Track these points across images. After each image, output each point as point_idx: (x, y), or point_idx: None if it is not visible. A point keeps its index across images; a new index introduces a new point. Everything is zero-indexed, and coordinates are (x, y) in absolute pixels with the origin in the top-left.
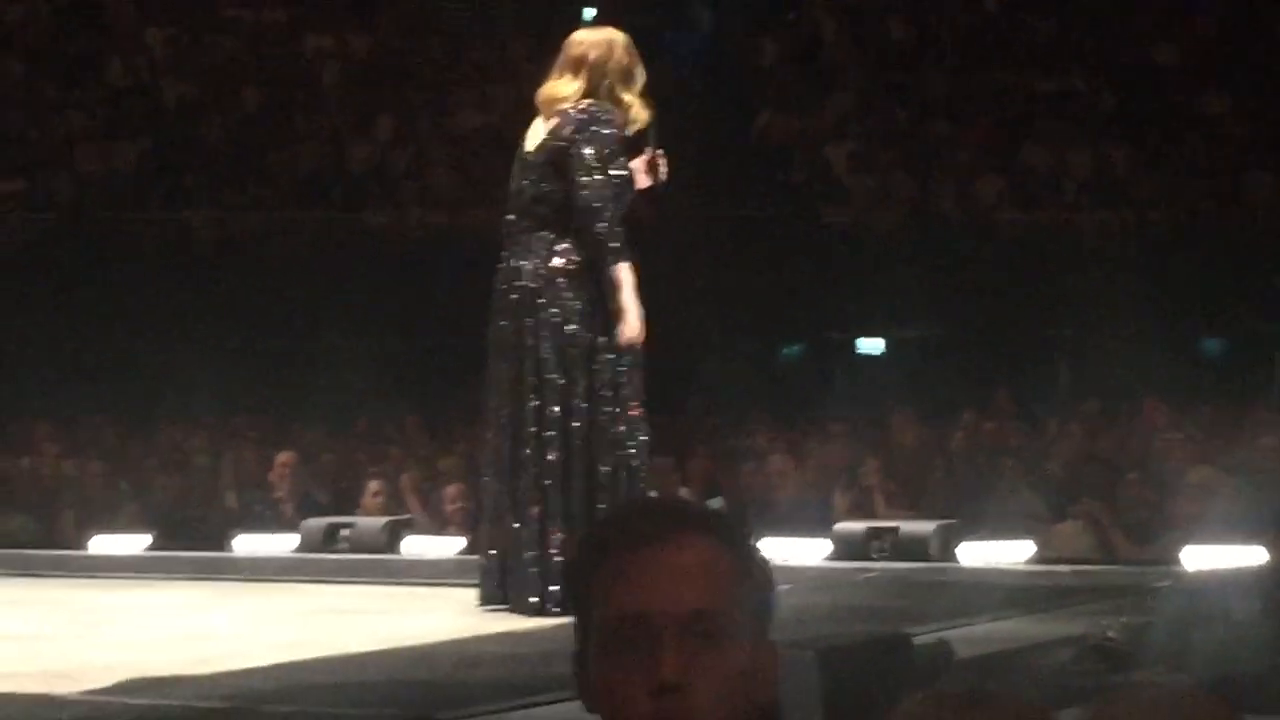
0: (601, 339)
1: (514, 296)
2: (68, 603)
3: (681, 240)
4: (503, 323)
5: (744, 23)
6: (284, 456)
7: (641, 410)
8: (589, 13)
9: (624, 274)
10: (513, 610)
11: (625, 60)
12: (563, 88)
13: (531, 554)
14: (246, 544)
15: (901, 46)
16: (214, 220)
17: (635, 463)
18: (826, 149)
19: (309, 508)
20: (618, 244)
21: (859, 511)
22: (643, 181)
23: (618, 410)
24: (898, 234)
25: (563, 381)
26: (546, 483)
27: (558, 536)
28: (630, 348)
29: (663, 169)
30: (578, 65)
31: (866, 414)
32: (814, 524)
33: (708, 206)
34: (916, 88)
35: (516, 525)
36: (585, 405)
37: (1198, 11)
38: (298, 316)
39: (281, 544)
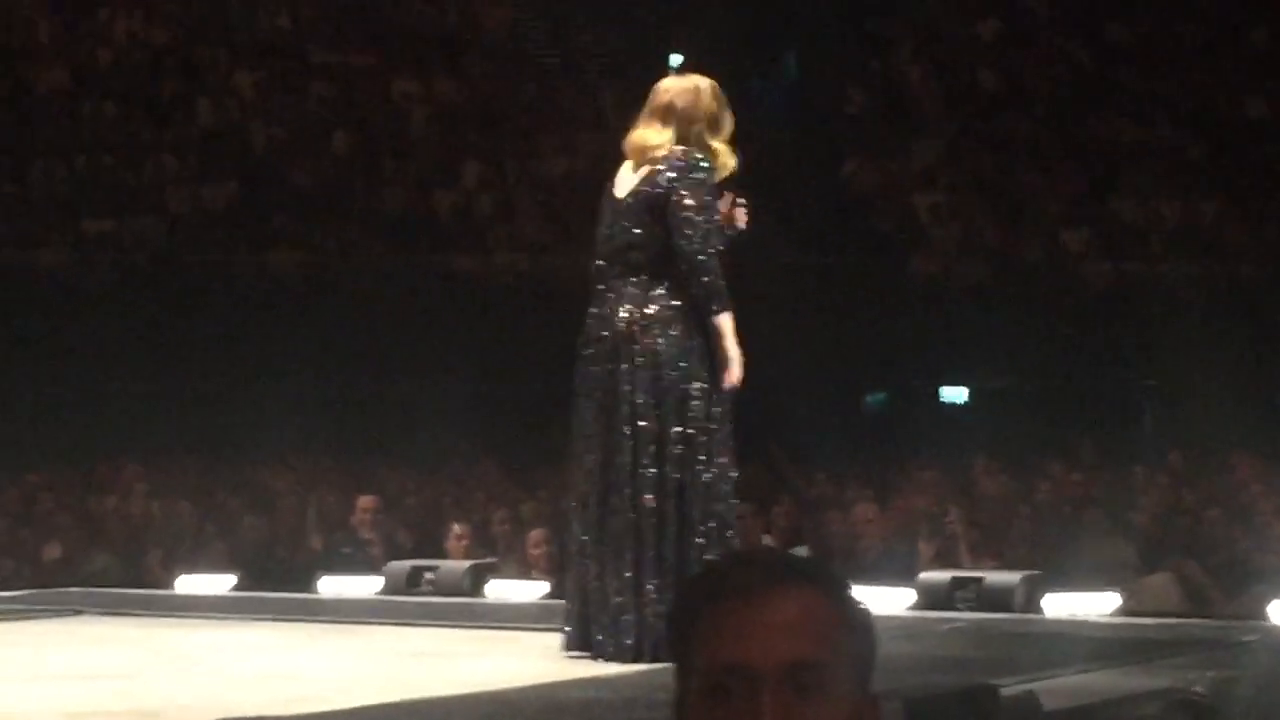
0: (695, 386)
1: (606, 342)
2: (155, 642)
3: (766, 288)
4: (594, 368)
5: (831, 70)
6: (366, 500)
7: (731, 458)
8: (676, 59)
9: (727, 322)
10: (595, 657)
11: (713, 107)
12: (652, 135)
13: (620, 600)
14: (331, 586)
15: (990, 95)
16: (302, 262)
17: (725, 510)
18: (913, 197)
19: (393, 550)
20: (721, 293)
21: (943, 561)
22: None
23: (710, 458)
24: (983, 283)
25: (657, 428)
26: (639, 530)
27: (650, 585)
28: (727, 394)
29: (741, 217)
30: (666, 113)
31: (950, 463)
32: (898, 573)
33: (793, 254)
34: (1004, 137)
35: (604, 573)
36: (679, 452)
37: None
38: (384, 359)
39: (366, 586)
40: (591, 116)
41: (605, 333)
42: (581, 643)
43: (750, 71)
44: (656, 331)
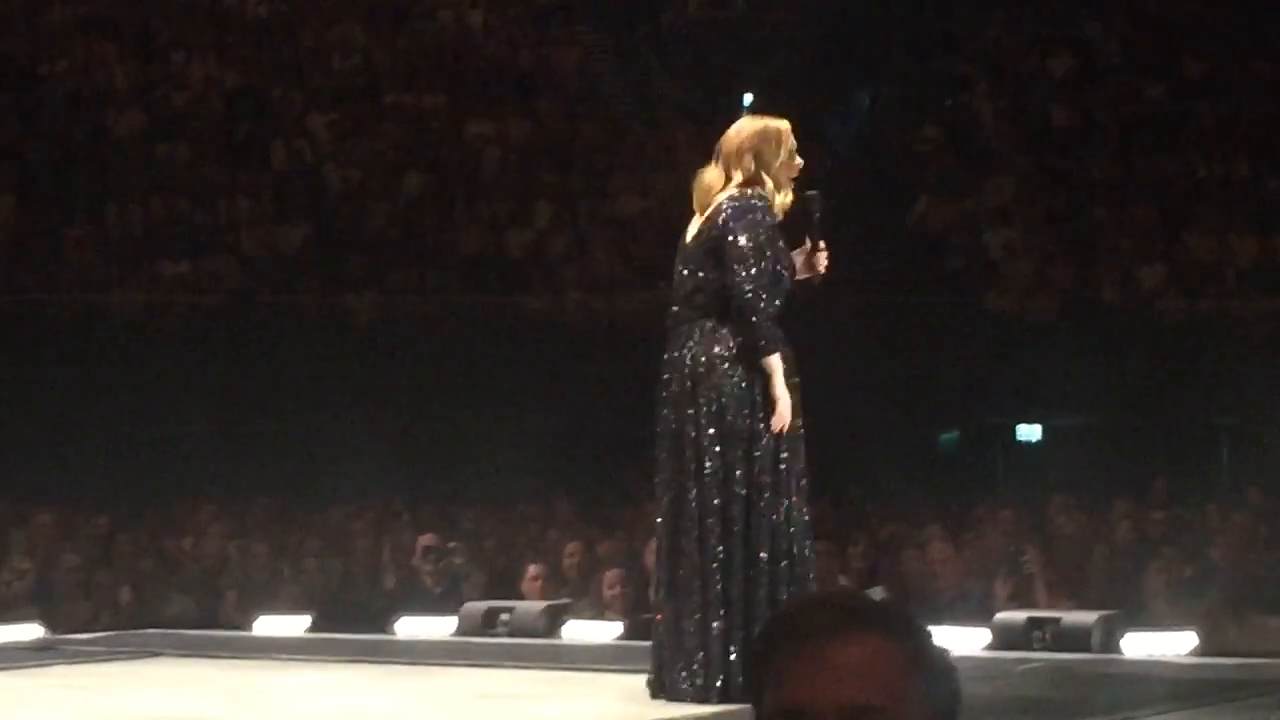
0: (761, 426)
1: (675, 387)
2: (232, 684)
3: (840, 327)
4: (666, 411)
5: (903, 107)
6: (426, 539)
7: (801, 498)
8: (750, 99)
9: (775, 363)
10: (669, 698)
11: (777, 148)
12: (708, 177)
13: (691, 642)
14: (408, 626)
15: (1062, 131)
16: (375, 303)
17: (796, 550)
18: (985, 235)
19: (467, 590)
20: (766, 335)
21: (1019, 600)
22: (802, 273)
23: (776, 498)
24: (1057, 321)
25: (722, 470)
26: (707, 571)
27: (715, 624)
28: (793, 435)
29: (822, 262)
30: (729, 155)
31: (1025, 501)
32: (973, 613)
33: (866, 292)
34: (1077, 173)
35: (678, 613)
36: (744, 493)
37: None
38: (457, 399)
39: (442, 627)
40: (663, 156)
41: (675, 376)
42: (658, 683)
43: (822, 110)
44: (721, 373)
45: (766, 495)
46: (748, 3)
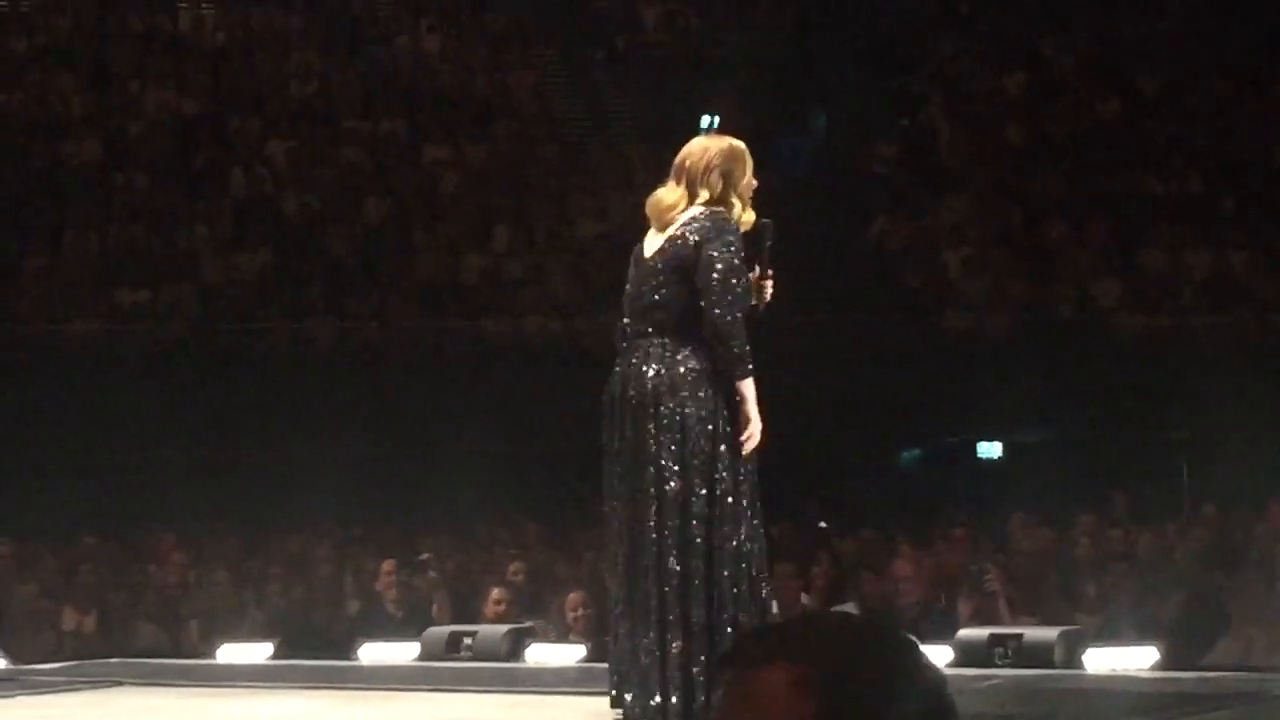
0: (723, 448)
1: (632, 402)
2: (195, 712)
3: (798, 347)
4: (620, 428)
5: (859, 128)
6: (388, 564)
7: (760, 519)
8: (707, 121)
9: (749, 387)
10: (626, 718)
11: (744, 168)
12: (666, 195)
13: (646, 662)
14: (371, 652)
15: (1017, 149)
16: (335, 329)
17: (757, 572)
18: (943, 253)
19: (430, 616)
20: (744, 357)
21: (982, 618)
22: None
23: (738, 521)
24: (1014, 338)
25: (683, 491)
26: (664, 592)
27: (675, 645)
28: (750, 458)
29: (768, 291)
30: (696, 173)
31: (986, 518)
32: (936, 630)
33: (825, 312)
34: (1033, 191)
35: (634, 633)
36: (705, 514)
37: None
38: (418, 424)
39: (405, 652)
40: (621, 179)
41: (632, 392)
42: (617, 702)
43: (779, 130)
44: (684, 393)
45: (729, 517)
46: (703, 24)
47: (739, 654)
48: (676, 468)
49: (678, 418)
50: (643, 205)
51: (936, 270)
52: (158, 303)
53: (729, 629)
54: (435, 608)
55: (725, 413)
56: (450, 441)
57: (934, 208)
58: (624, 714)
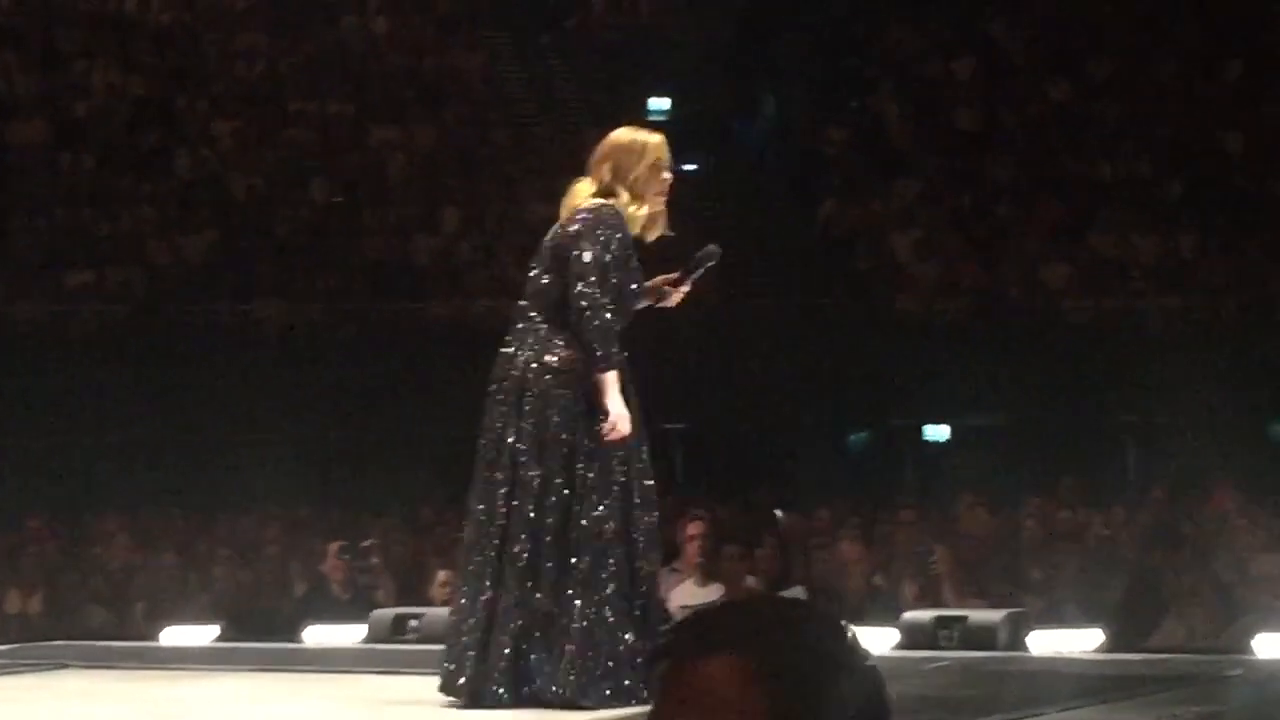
0: (587, 441)
1: (507, 386)
2: (141, 695)
3: (746, 329)
4: (495, 409)
5: (809, 111)
6: (334, 546)
7: (646, 510)
8: (657, 104)
9: (610, 379)
10: (443, 689)
11: (638, 161)
12: (579, 187)
13: (467, 639)
14: (317, 634)
15: (967, 133)
16: (283, 311)
17: (633, 562)
18: (892, 236)
19: (375, 598)
20: (606, 350)
21: (927, 599)
22: (648, 297)
23: (603, 508)
24: (964, 321)
25: (540, 479)
26: (502, 573)
27: (514, 624)
28: (618, 447)
29: (675, 299)
30: (591, 162)
31: (934, 500)
32: (882, 612)
33: (774, 295)
34: (982, 174)
35: (470, 609)
36: (562, 500)
37: (1265, 99)
38: (366, 406)
39: (351, 634)
40: (570, 161)
41: (508, 377)
42: (447, 683)
43: (729, 113)
44: (548, 383)
45: (589, 506)
46: (652, 6)
47: (676, 645)
48: (536, 456)
49: (542, 406)
50: None
51: (886, 253)
52: (104, 284)
53: (586, 619)
54: (381, 591)
55: (587, 407)
56: (398, 424)
57: (884, 191)
58: (442, 688)
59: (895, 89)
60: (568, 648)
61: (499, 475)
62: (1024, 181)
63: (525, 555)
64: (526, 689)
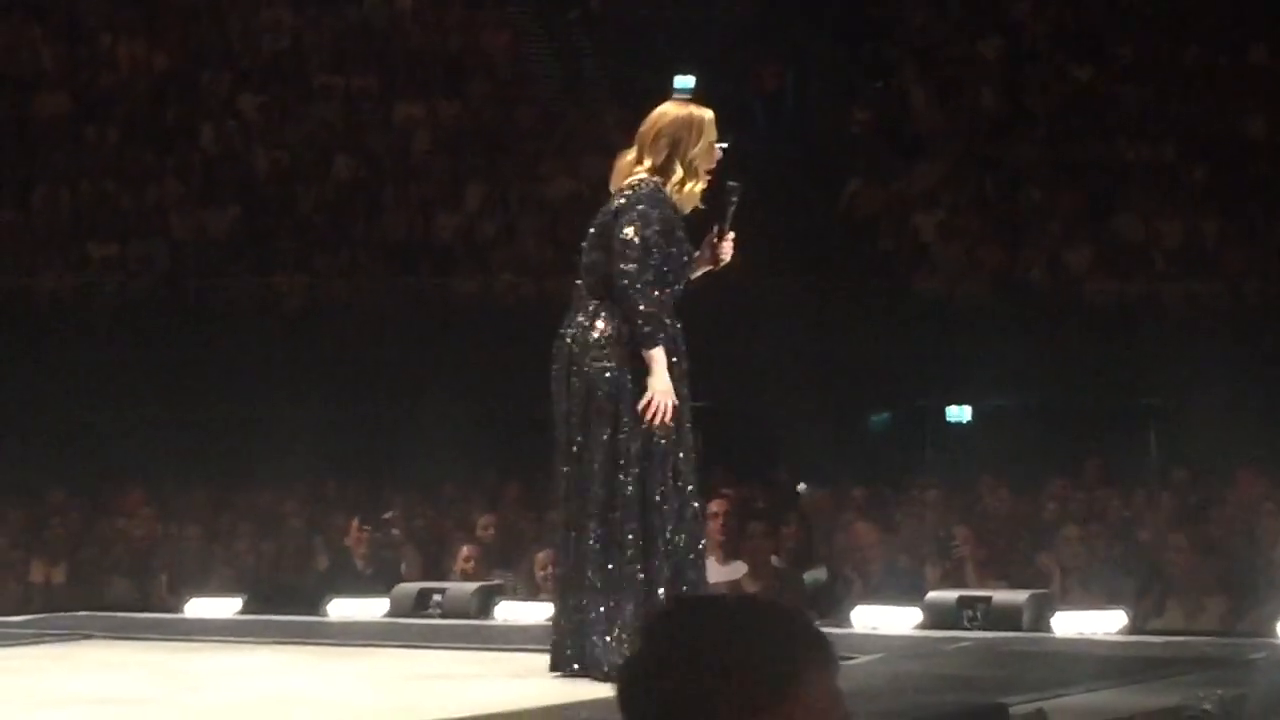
0: (625, 413)
1: (559, 363)
2: (164, 666)
3: (769, 310)
4: (553, 389)
5: (833, 92)
6: (357, 521)
7: (687, 481)
8: (682, 81)
9: (657, 355)
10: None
11: (697, 138)
12: (627, 160)
13: (569, 625)
14: (340, 608)
15: (991, 116)
16: (305, 286)
17: (674, 536)
18: (915, 218)
19: (399, 573)
20: (652, 327)
21: (950, 580)
22: (703, 263)
23: (643, 479)
24: (986, 303)
25: (587, 449)
26: (567, 546)
27: (590, 607)
28: (656, 421)
29: (726, 252)
30: (645, 139)
31: (955, 482)
32: (905, 592)
33: (795, 276)
34: (1006, 157)
35: (563, 595)
36: (600, 471)
37: None
38: (388, 382)
39: (374, 608)
40: (594, 139)
41: (560, 353)
42: (556, 664)
43: (752, 93)
44: (593, 356)
45: (633, 478)
46: None
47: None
48: (584, 426)
49: (587, 378)
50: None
51: (909, 235)
52: (127, 257)
53: (645, 585)
54: (404, 565)
55: (631, 378)
56: (420, 399)
57: (907, 173)
58: (561, 673)
59: (919, 71)
60: (616, 621)
61: (564, 449)
62: (1047, 164)
63: (577, 531)
64: (579, 664)
